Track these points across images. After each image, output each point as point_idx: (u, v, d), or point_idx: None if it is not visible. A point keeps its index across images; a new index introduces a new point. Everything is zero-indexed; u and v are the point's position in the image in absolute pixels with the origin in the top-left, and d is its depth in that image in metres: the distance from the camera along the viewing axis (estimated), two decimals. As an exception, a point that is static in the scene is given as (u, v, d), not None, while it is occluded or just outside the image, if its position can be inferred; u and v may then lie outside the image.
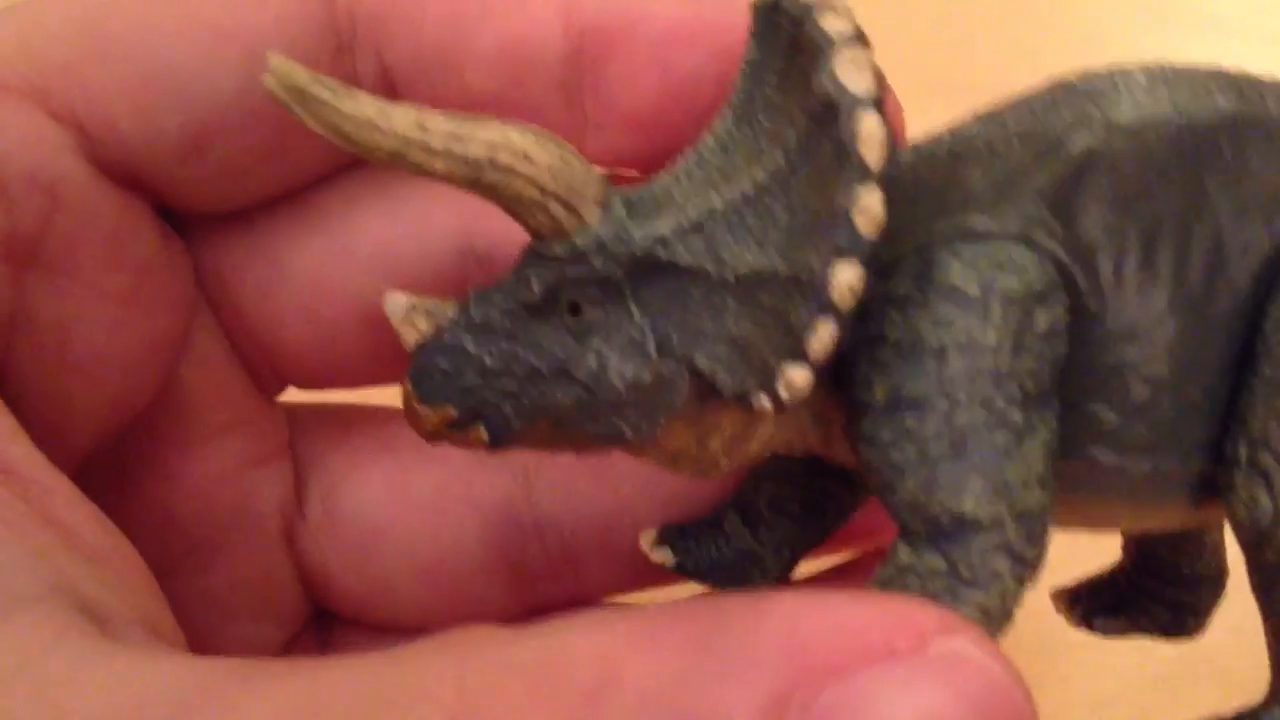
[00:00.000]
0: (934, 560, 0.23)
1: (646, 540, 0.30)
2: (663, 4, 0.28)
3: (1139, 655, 0.39)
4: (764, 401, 0.24)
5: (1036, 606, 0.34)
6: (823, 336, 0.23)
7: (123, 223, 0.27)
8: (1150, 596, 0.31)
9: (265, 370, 0.31)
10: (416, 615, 0.32)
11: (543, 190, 0.24)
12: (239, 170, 0.28)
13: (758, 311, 0.24)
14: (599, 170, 0.24)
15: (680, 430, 0.25)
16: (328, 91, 0.22)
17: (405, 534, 0.31)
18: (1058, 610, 0.32)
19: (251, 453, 0.31)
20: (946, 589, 0.23)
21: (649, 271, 0.24)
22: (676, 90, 0.28)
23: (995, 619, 0.23)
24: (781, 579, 0.30)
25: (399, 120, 0.23)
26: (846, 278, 0.23)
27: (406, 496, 0.31)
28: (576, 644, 0.19)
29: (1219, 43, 0.53)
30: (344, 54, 0.28)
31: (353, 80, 0.28)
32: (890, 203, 0.23)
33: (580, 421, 0.24)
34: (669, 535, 0.30)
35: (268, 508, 0.31)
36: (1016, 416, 0.23)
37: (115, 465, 0.29)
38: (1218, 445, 0.25)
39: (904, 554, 0.24)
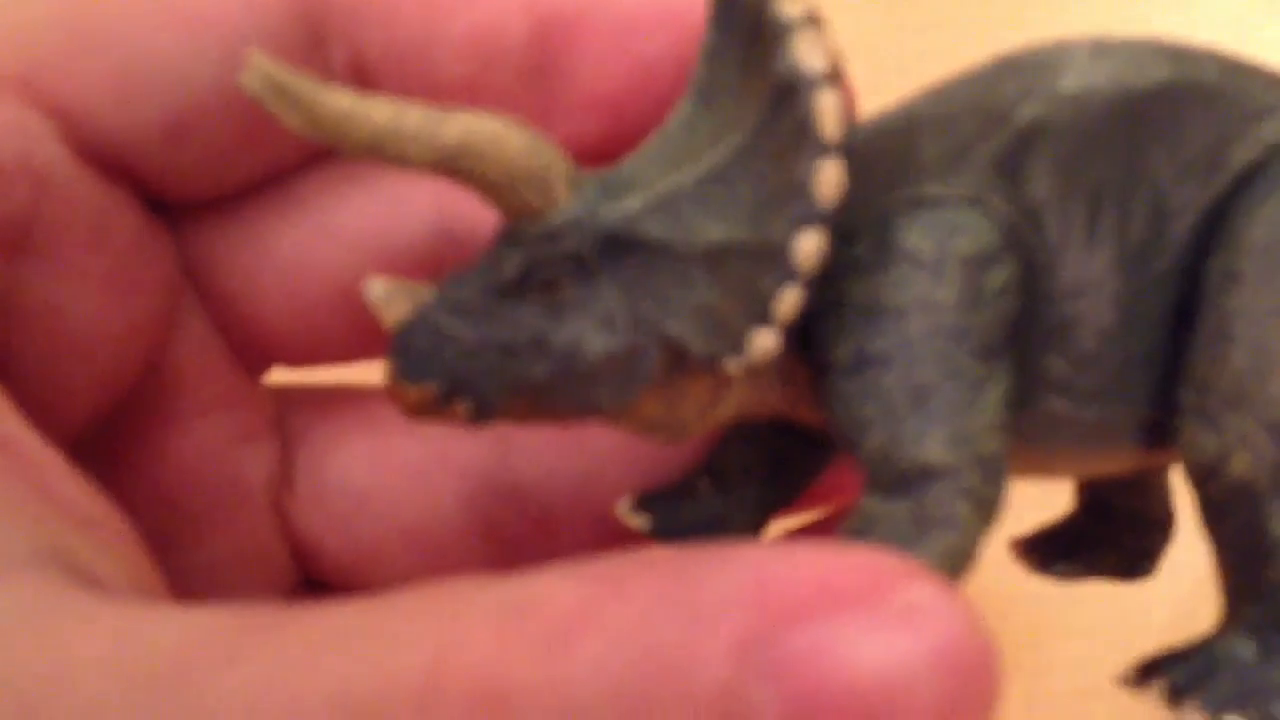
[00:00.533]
0: (900, 507, 0.25)
1: (623, 507, 0.31)
2: None
3: (1124, 647, 0.40)
4: (734, 365, 0.25)
5: (1020, 597, 0.35)
6: (788, 300, 0.24)
7: (106, 209, 0.28)
8: (1103, 542, 0.32)
9: (250, 350, 0.32)
10: (401, 579, 0.33)
11: (513, 174, 0.25)
12: (219, 157, 0.29)
13: (725, 280, 0.25)
14: (568, 154, 0.26)
15: (653, 399, 0.26)
16: (305, 87, 0.23)
17: (388, 502, 0.32)
18: (1016, 558, 0.33)
19: (239, 429, 0.32)
20: (912, 532, 0.24)
21: (619, 248, 0.25)
22: (639, 75, 0.29)
23: (959, 558, 0.24)
24: (752, 537, 0.31)
25: (375, 113, 0.24)
26: (809, 245, 0.24)
27: (389, 466, 0.32)
28: (548, 589, 0.20)
29: (1218, 42, 0.52)
30: (318, 43, 0.29)
31: (326, 69, 0.29)
32: (848, 175, 0.24)
33: (557, 394, 0.26)
34: (645, 501, 0.31)
35: (257, 482, 0.32)
36: (974, 369, 0.25)
37: (106, 445, 0.30)
38: (1163, 393, 0.26)
39: (871, 504, 0.25)
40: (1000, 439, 0.25)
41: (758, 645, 0.19)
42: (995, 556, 0.37)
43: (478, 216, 0.31)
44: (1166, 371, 0.26)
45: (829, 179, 0.24)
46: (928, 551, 0.24)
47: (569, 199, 0.25)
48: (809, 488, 0.31)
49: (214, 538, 0.32)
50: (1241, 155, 0.26)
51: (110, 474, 0.30)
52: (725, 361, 0.25)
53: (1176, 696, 0.25)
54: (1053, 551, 0.33)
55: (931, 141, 0.26)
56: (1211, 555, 0.27)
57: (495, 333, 0.25)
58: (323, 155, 0.31)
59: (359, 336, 0.31)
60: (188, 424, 0.31)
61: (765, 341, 0.25)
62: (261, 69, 0.23)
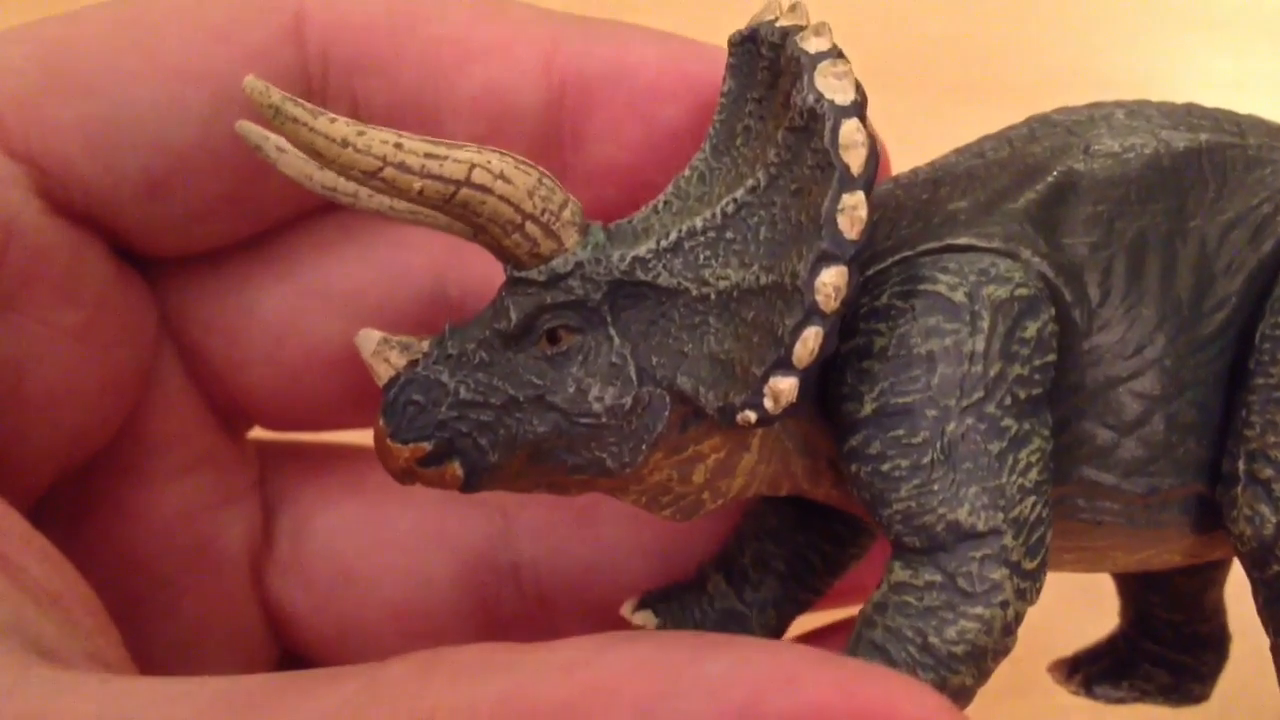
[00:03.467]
0: (930, 574, 0.23)
1: (627, 607, 0.29)
2: (644, 54, 0.27)
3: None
4: (749, 415, 0.23)
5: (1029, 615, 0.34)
6: (808, 341, 0.22)
7: (77, 260, 0.27)
8: (1151, 660, 0.30)
9: (231, 410, 0.30)
10: (381, 646, 0.31)
11: (520, 210, 0.23)
12: (202, 213, 0.28)
13: (740, 327, 0.23)
14: (577, 201, 0.24)
15: (662, 460, 0.24)
16: (304, 111, 0.22)
17: (376, 574, 0.30)
18: (1057, 682, 0.31)
19: (217, 491, 0.30)
20: (945, 603, 0.22)
21: (628, 294, 0.24)
22: (657, 142, 0.28)
23: (997, 633, 0.23)
24: (770, 637, 0.28)
25: (375, 139, 0.22)
26: (832, 279, 0.22)
27: (378, 536, 0.31)
28: (540, 686, 0.19)
29: (1219, 41, 0.52)
30: (315, 99, 0.27)
31: None
32: (872, 216, 0.23)
33: (559, 452, 0.24)
34: (652, 599, 0.29)
35: (234, 547, 0.30)
36: (1009, 423, 0.23)
37: (75, 502, 0.29)
38: (1214, 465, 0.25)
39: (899, 571, 0.23)
40: (1040, 504, 0.23)
41: None
42: None
43: (478, 279, 0.29)
44: (1217, 442, 0.25)
45: (854, 210, 0.22)
46: (965, 625, 0.22)
47: (577, 242, 0.24)
48: (829, 587, 0.29)
49: (186, 605, 0.30)
50: None
51: (78, 533, 0.29)
52: (742, 414, 0.23)
53: None
54: (1096, 671, 0.31)
55: (960, 194, 0.25)
56: (1272, 644, 0.24)
57: (493, 386, 0.24)
58: (312, 213, 0.29)
59: (345, 405, 0.30)
60: (162, 485, 0.29)
61: (783, 387, 0.23)
62: (258, 90, 0.22)
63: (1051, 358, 0.24)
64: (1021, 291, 0.23)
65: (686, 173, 0.25)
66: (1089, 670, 0.31)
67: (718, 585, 0.28)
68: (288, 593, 0.31)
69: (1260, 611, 0.25)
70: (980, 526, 0.23)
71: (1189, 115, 0.25)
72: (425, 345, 0.24)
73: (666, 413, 0.24)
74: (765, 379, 0.23)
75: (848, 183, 0.22)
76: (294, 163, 0.24)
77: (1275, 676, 0.25)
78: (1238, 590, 0.28)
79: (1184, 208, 0.24)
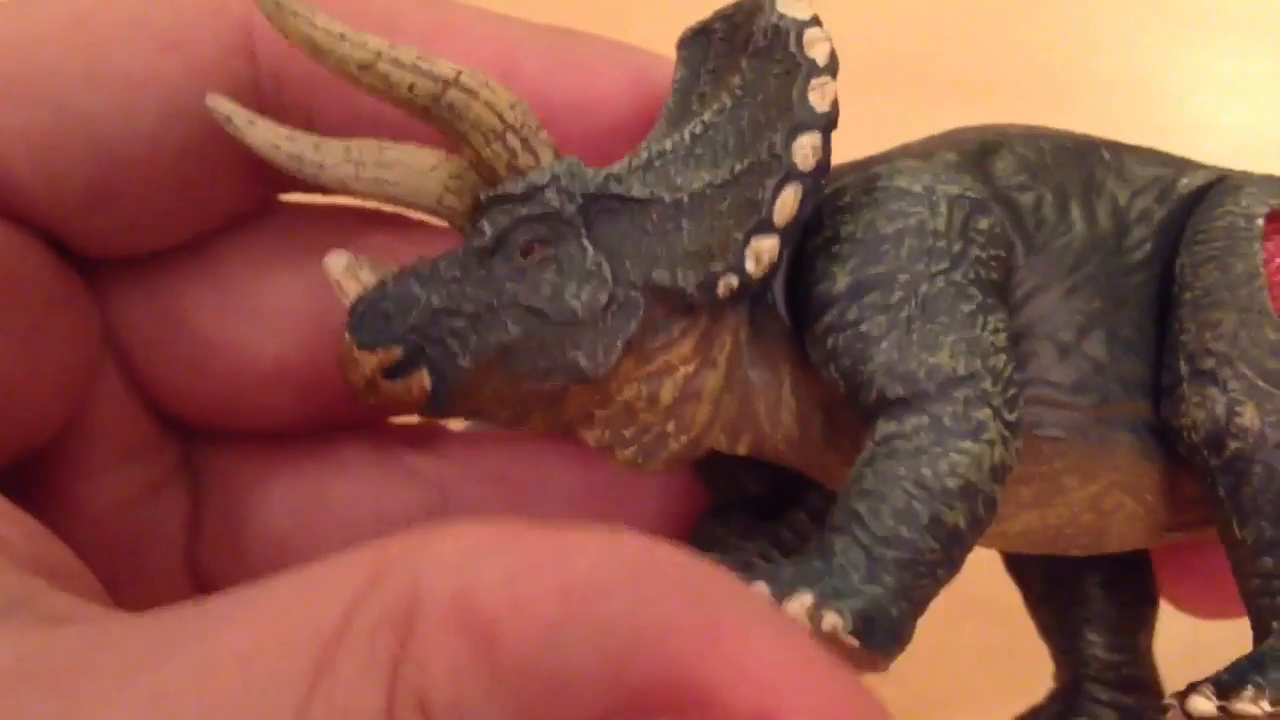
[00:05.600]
0: (917, 419, 0.23)
1: None
2: (610, 84, 0.27)
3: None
4: (731, 280, 0.24)
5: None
6: (787, 200, 0.24)
7: (21, 261, 0.27)
8: (1098, 702, 0.31)
9: (163, 411, 0.31)
10: None
11: (502, 119, 0.24)
12: (146, 222, 0.28)
13: (714, 219, 0.24)
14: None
15: (633, 370, 0.25)
16: (304, 6, 0.23)
17: (312, 549, 0.30)
18: None
19: (150, 478, 0.30)
20: (935, 440, 0.23)
21: (602, 208, 0.25)
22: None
23: (986, 472, 0.23)
24: None
25: (369, 36, 0.24)
26: (808, 141, 0.24)
27: (312, 511, 0.31)
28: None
29: (1219, 42, 0.52)
30: (268, 113, 0.27)
31: None
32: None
33: (532, 355, 0.24)
34: None
35: (169, 531, 0.31)
36: (975, 292, 0.24)
37: (15, 498, 0.28)
38: (1156, 386, 0.26)
39: (883, 426, 0.24)
40: (1012, 365, 0.24)
41: None
42: (1003, 572, 0.37)
43: None
44: (1155, 366, 0.26)
45: (825, 88, 0.24)
46: (956, 459, 0.23)
47: (553, 159, 0.25)
48: None
49: (124, 595, 0.30)
50: (1187, 185, 0.27)
51: None
52: (724, 280, 0.24)
53: (1226, 692, 0.24)
54: (1049, 718, 0.31)
55: (898, 155, 0.27)
56: (1239, 551, 0.25)
57: (466, 295, 0.24)
58: (252, 222, 0.30)
59: (280, 417, 0.30)
60: (99, 476, 0.30)
61: (766, 246, 0.24)
62: None
63: (1003, 253, 0.25)
64: (971, 193, 0.25)
65: (640, 147, 0.26)
66: None
67: None
68: (221, 570, 0.31)
69: (1222, 506, 0.25)
70: (961, 369, 0.24)
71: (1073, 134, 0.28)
72: (396, 268, 0.25)
73: (640, 312, 0.24)
74: (747, 241, 0.24)
75: (816, 70, 0.24)
76: (263, 134, 0.25)
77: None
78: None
79: (1093, 176, 0.27)
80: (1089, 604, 0.31)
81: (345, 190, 0.25)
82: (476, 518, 0.22)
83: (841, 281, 0.24)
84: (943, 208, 0.25)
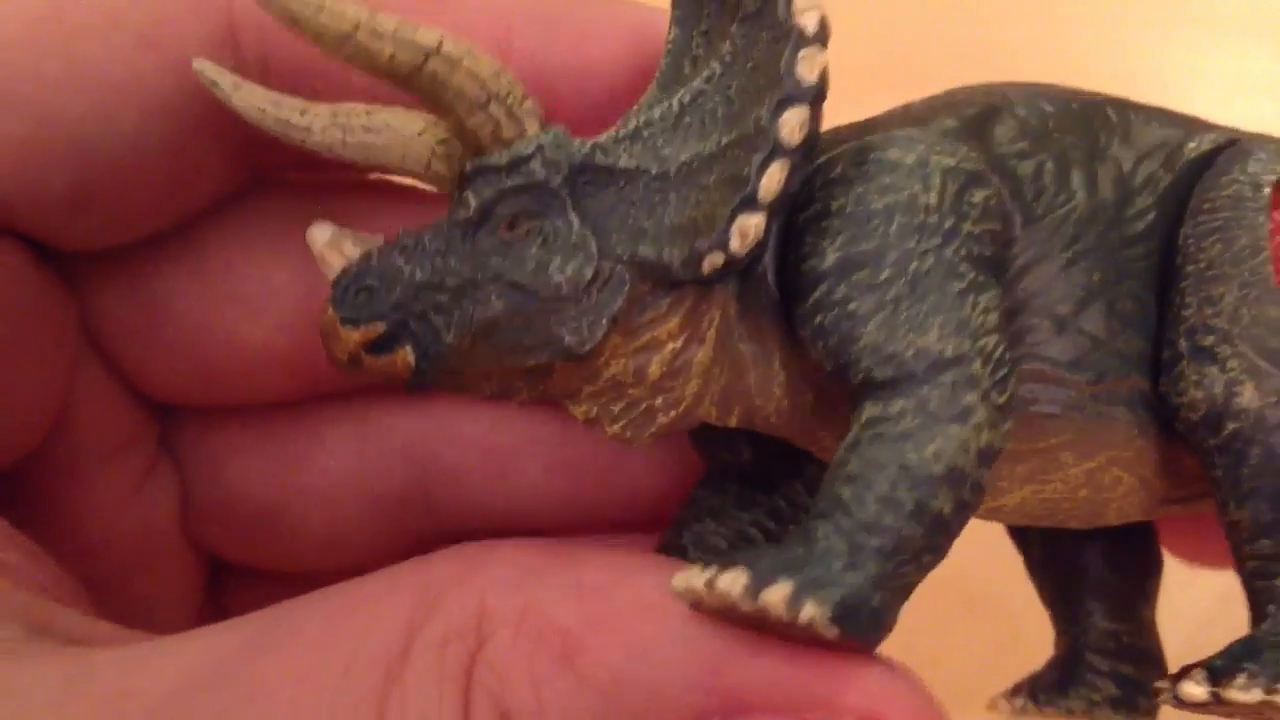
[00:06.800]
0: (903, 402, 0.23)
1: None
2: (604, 44, 0.27)
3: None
4: (716, 258, 0.24)
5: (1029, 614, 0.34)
6: (774, 175, 0.23)
7: (3, 271, 0.26)
8: (1096, 671, 0.31)
9: (149, 399, 0.30)
10: (316, 566, 0.31)
11: (485, 89, 0.24)
12: (127, 217, 0.27)
13: (701, 193, 0.24)
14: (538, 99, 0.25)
15: (620, 346, 0.24)
16: None
17: (295, 521, 0.31)
18: (1002, 713, 0.32)
19: (140, 466, 0.30)
20: (920, 425, 0.22)
21: (589, 180, 0.24)
22: None
23: (973, 457, 0.22)
24: None
25: (349, 6, 0.23)
26: (794, 116, 0.23)
27: (294, 483, 0.31)
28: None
29: (1219, 42, 0.52)
30: None
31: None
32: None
33: (516, 330, 0.24)
34: None
35: (167, 512, 0.31)
36: (966, 269, 0.24)
37: (9, 508, 0.28)
38: (1155, 361, 0.26)
39: (869, 409, 0.23)
40: (1003, 345, 0.23)
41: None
42: (1003, 572, 0.37)
43: None
44: (1154, 340, 0.26)
45: (814, 59, 0.23)
46: (941, 445, 0.22)
47: (539, 129, 0.24)
48: None
49: (138, 583, 0.30)
50: (1194, 149, 0.26)
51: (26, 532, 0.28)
52: (709, 257, 0.24)
53: (1219, 678, 0.23)
54: (1043, 686, 0.31)
55: (894, 120, 0.26)
56: (1236, 532, 0.25)
57: (450, 269, 0.24)
58: (229, 206, 0.29)
59: (265, 402, 0.30)
60: (93, 475, 0.29)
61: (752, 223, 0.23)
62: None
63: (998, 227, 0.25)
64: (966, 165, 0.24)
65: (631, 111, 0.25)
66: (1034, 687, 0.31)
67: None
68: (220, 540, 0.31)
69: (1220, 486, 0.25)
70: (949, 352, 0.23)
71: (1080, 91, 0.27)
72: (378, 241, 0.25)
73: (626, 288, 0.24)
74: (733, 217, 0.23)
75: (805, 40, 0.23)
76: (249, 98, 0.25)
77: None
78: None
79: (1095, 138, 0.26)
80: (1089, 572, 0.30)
81: (333, 155, 0.25)
82: (520, 541, 0.23)
83: (830, 258, 0.24)
84: (935, 181, 0.24)
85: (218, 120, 0.26)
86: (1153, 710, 0.31)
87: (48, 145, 0.26)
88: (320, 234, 0.25)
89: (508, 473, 0.30)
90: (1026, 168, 0.25)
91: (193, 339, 0.29)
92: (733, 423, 0.26)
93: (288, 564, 0.32)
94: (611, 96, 0.27)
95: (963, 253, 0.24)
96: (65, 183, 0.26)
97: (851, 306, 0.23)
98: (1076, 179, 0.26)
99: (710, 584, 0.21)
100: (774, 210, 0.23)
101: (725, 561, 0.21)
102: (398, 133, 0.25)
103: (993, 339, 0.23)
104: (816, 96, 0.23)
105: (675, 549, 0.28)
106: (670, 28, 0.26)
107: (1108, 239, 0.26)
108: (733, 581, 0.21)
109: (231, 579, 0.33)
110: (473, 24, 0.27)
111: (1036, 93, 0.27)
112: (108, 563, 0.30)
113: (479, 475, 0.30)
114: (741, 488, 0.28)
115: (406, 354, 0.24)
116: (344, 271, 0.24)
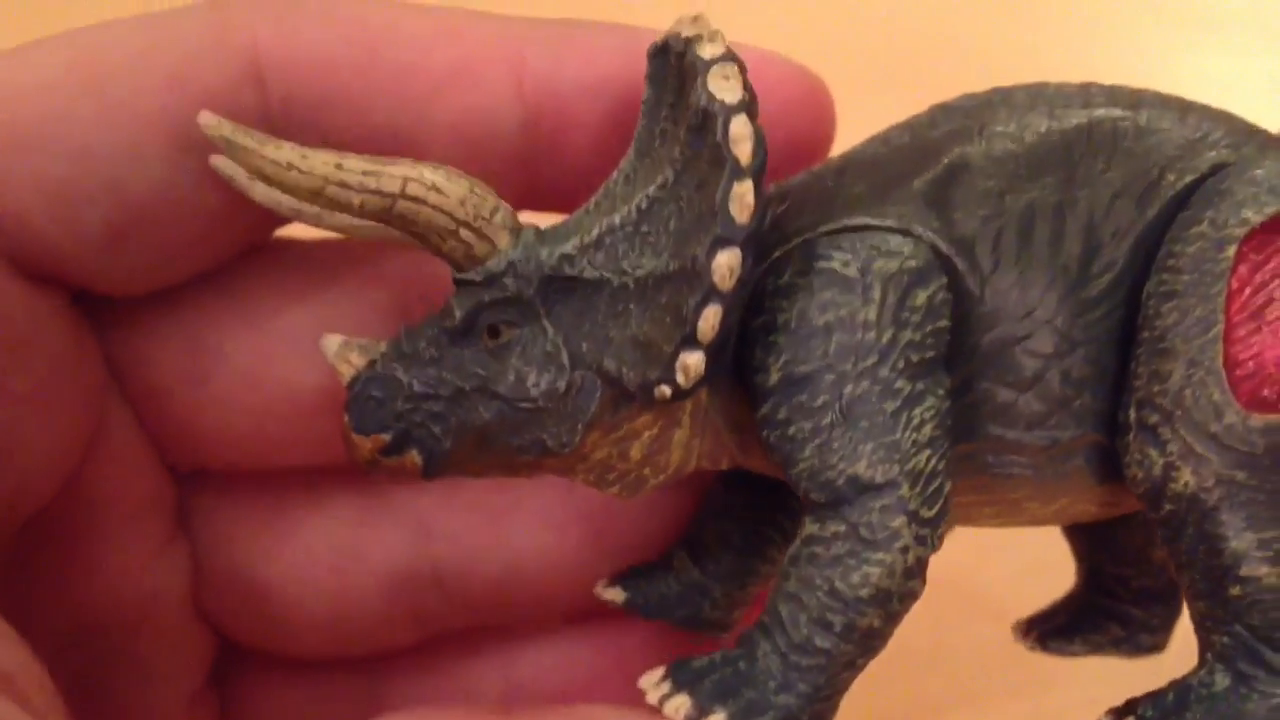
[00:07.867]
0: (836, 525, 0.25)
1: (600, 586, 0.31)
2: (613, 63, 0.28)
3: (1133, 662, 0.40)
4: (665, 390, 0.25)
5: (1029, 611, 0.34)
6: (709, 318, 0.24)
7: (34, 322, 0.26)
8: (1102, 614, 0.32)
9: (181, 453, 0.30)
10: (319, 652, 0.32)
11: (453, 218, 0.25)
12: (163, 257, 0.27)
13: (655, 310, 0.25)
14: (509, 206, 0.26)
15: (600, 439, 0.26)
16: (252, 140, 0.25)
17: (300, 595, 0.31)
18: (1016, 639, 0.33)
19: (159, 533, 0.30)
20: (850, 551, 0.24)
21: (559, 288, 0.26)
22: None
23: (899, 577, 0.24)
24: (732, 608, 0.31)
25: (317, 161, 0.25)
26: (726, 261, 0.24)
27: (297, 559, 0.31)
28: None
29: (1218, 42, 0.52)
30: (279, 134, 0.26)
31: None
32: (774, 204, 0.26)
33: (504, 435, 0.26)
34: (620, 577, 0.31)
35: (179, 590, 0.30)
36: (903, 384, 0.25)
37: (18, 564, 0.28)
38: (1112, 416, 0.26)
39: (809, 525, 0.25)
40: (936, 457, 0.25)
41: None
42: (1003, 572, 0.36)
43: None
44: (1113, 395, 0.26)
45: (742, 197, 0.24)
46: (869, 570, 0.24)
47: (509, 243, 0.26)
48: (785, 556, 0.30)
49: (142, 641, 0.30)
50: (1178, 180, 0.26)
51: (23, 595, 0.28)
52: (658, 389, 0.25)
53: None
54: (1049, 628, 0.32)
55: (863, 180, 0.26)
56: (1180, 588, 0.26)
57: (442, 379, 0.26)
58: (264, 249, 0.29)
59: (311, 445, 0.30)
60: (108, 536, 0.29)
61: (691, 362, 0.25)
62: (211, 125, 0.25)
63: (944, 323, 0.25)
64: (910, 264, 0.25)
65: (614, 175, 0.27)
66: (1043, 628, 0.32)
67: (682, 561, 0.30)
68: (227, 614, 0.31)
69: (1163, 545, 0.26)
70: (878, 479, 0.25)
71: (1085, 93, 0.27)
72: (383, 346, 0.26)
73: (598, 394, 0.26)
74: (675, 355, 0.25)
75: (738, 173, 0.24)
76: (265, 190, 0.26)
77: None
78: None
79: (1073, 179, 0.26)
80: (1095, 523, 0.31)
81: (348, 233, 0.27)
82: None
83: (774, 376, 0.25)
84: (875, 294, 0.25)
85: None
86: (1157, 646, 0.32)
87: (82, 184, 0.26)
88: (329, 345, 0.26)
89: (505, 530, 0.31)
90: (986, 239, 0.26)
91: (253, 383, 0.29)
92: (725, 467, 0.28)
93: (293, 646, 0.32)
94: (625, 104, 0.28)
95: (900, 365, 0.25)
96: (101, 220, 0.26)
97: (791, 430, 0.25)
98: (1040, 241, 0.26)
99: (661, 704, 0.25)
100: (713, 347, 0.25)
101: (673, 683, 0.25)
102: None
103: (924, 455, 0.25)
104: (747, 238, 0.24)
105: (699, 543, 0.30)
106: (646, 85, 0.26)
107: (1066, 306, 0.26)
108: (676, 710, 0.24)
109: (238, 661, 0.32)
110: (484, 54, 0.27)
111: (1021, 123, 0.26)
112: (116, 619, 0.30)
113: (478, 534, 0.31)
114: (754, 488, 0.30)
115: (414, 456, 0.26)
116: (353, 380, 0.26)
